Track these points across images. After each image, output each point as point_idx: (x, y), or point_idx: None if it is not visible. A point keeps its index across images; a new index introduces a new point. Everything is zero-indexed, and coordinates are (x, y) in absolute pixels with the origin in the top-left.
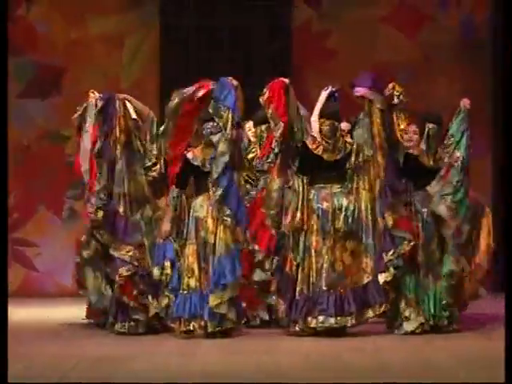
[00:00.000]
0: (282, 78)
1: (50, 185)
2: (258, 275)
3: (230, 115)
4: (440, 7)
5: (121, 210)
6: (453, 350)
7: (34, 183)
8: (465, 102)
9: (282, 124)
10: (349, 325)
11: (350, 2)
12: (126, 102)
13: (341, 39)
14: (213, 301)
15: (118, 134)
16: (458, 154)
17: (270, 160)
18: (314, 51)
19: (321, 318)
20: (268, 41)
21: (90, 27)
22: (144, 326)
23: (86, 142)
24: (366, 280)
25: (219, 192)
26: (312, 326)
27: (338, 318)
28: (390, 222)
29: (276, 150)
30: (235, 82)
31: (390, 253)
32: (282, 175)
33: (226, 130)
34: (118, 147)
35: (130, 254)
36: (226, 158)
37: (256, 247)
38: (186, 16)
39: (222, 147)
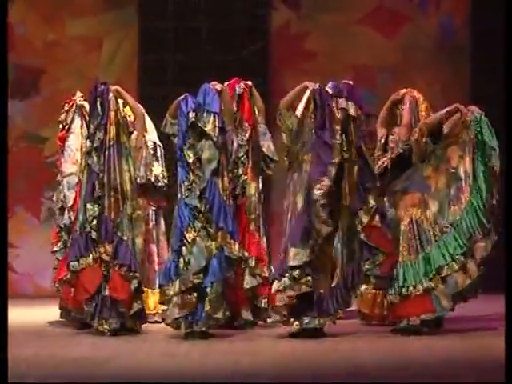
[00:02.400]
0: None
1: (28, 186)
2: (249, 282)
3: (216, 121)
4: (419, 9)
5: (106, 205)
6: (431, 350)
7: (12, 184)
8: (476, 110)
9: (248, 127)
10: (327, 325)
11: (329, 4)
12: (118, 95)
13: (319, 41)
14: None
15: (109, 127)
16: (496, 167)
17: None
18: (293, 53)
19: (306, 319)
20: (246, 42)
21: (68, 28)
22: (120, 323)
23: (71, 142)
24: (334, 283)
25: (207, 207)
26: (296, 326)
27: (321, 320)
28: (361, 232)
29: (242, 154)
30: (219, 87)
31: (368, 262)
32: (256, 178)
33: (212, 135)
34: (110, 141)
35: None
36: (214, 165)
37: (246, 254)
38: (165, 18)
39: (208, 154)
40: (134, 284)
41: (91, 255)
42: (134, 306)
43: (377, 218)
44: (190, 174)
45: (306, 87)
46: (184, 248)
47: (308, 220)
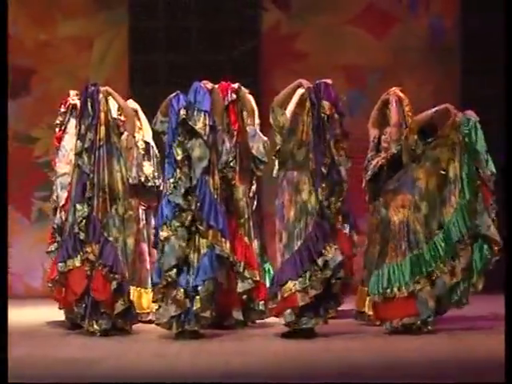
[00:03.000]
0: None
1: (19, 186)
2: (241, 286)
3: (206, 119)
4: (409, 10)
5: (94, 205)
6: (424, 351)
7: None
8: (472, 114)
9: (234, 132)
10: (319, 325)
11: (319, 5)
12: (109, 97)
13: (310, 41)
14: (195, 304)
15: (98, 128)
16: (488, 172)
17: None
18: (283, 53)
19: (304, 319)
20: (237, 43)
21: (59, 29)
22: (111, 323)
23: (66, 143)
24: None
25: (198, 205)
26: (295, 326)
27: (315, 320)
28: None
29: (230, 158)
30: (210, 86)
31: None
32: (244, 181)
33: (203, 134)
34: (100, 141)
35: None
36: (205, 163)
37: (235, 258)
38: (155, 17)
39: (199, 152)
40: (114, 285)
41: (79, 256)
42: (118, 307)
43: (340, 219)
44: (177, 171)
45: (300, 85)
46: (158, 246)
47: (332, 217)
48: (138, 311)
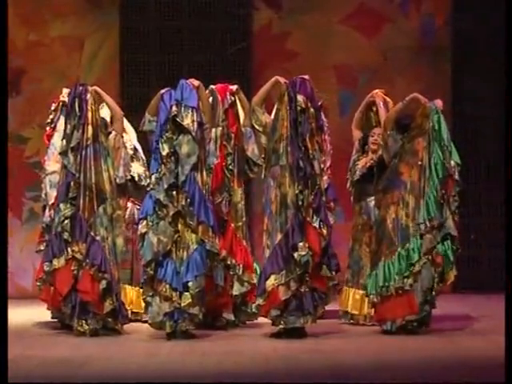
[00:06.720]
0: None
1: (10, 186)
2: (237, 289)
3: (194, 116)
4: (400, 9)
5: (80, 204)
6: (417, 350)
7: None
8: (438, 104)
9: (232, 134)
10: (308, 325)
11: (310, 4)
12: (96, 96)
13: (301, 41)
14: (184, 301)
15: (86, 127)
16: (452, 162)
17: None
18: (275, 53)
19: (291, 318)
20: (228, 42)
21: (49, 29)
22: (101, 323)
23: (55, 141)
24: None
25: (188, 201)
26: (282, 325)
27: (303, 319)
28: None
29: (229, 162)
30: (196, 83)
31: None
32: (241, 184)
33: (191, 130)
34: (87, 141)
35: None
36: (194, 160)
37: (233, 261)
38: (146, 18)
39: (187, 148)
40: (103, 285)
41: (63, 256)
42: (106, 307)
43: (311, 213)
44: (162, 166)
45: (277, 82)
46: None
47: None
48: (136, 310)
